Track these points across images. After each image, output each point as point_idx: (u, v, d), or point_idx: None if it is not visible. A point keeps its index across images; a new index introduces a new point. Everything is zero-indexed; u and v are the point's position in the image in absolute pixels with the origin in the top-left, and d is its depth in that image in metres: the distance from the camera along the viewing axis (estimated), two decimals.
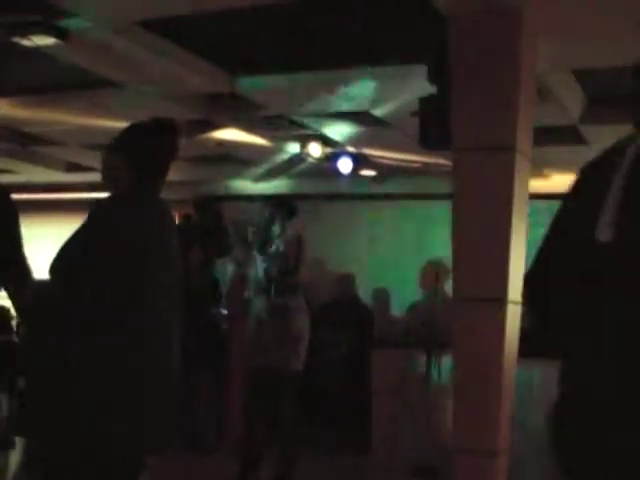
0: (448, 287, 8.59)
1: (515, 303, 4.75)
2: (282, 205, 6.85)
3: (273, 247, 6.66)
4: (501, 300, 4.61)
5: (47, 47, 5.77)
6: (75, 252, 3.02)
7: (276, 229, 6.71)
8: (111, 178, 3.23)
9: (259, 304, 6.63)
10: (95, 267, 2.97)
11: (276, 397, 6.49)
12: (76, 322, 2.93)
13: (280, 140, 9.13)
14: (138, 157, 3.20)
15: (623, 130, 7.30)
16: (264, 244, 6.72)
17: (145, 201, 3.21)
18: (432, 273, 8.23)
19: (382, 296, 9.89)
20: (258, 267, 6.69)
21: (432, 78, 5.08)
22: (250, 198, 10.73)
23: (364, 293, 9.94)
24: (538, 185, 8.80)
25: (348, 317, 9.45)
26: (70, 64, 6.44)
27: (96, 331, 2.92)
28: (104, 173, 3.27)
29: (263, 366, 6.53)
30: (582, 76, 6.45)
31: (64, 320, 2.94)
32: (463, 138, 4.74)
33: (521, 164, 4.73)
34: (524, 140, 4.76)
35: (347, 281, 9.85)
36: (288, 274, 6.60)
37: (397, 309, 9.76)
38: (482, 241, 4.69)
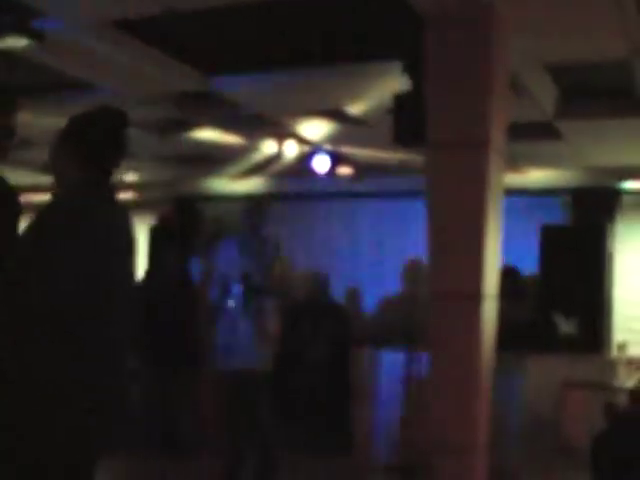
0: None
1: (491, 297, 4.79)
2: (258, 205, 6.84)
3: (253, 248, 6.65)
4: (477, 295, 4.64)
5: (20, 48, 5.74)
6: (22, 253, 2.92)
7: (254, 230, 6.70)
8: (58, 172, 3.14)
9: (233, 305, 6.61)
10: (40, 269, 2.87)
11: (256, 398, 6.49)
12: (23, 322, 2.86)
13: (256, 139, 9.13)
14: (85, 149, 3.09)
15: (597, 124, 7.39)
16: (244, 245, 6.71)
17: (94, 200, 3.08)
18: (412, 269, 8.26)
19: (353, 295, 9.91)
20: (234, 268, 6.67)
21: (407, 75, 5.11)
22: (228, 197, 10.73)
23: (342, 292, 9.95)
24: (514, 180, 8.87)
25: (325, 317, 9.46)
26: (43, 65, 6.42)
27: (42, 333, 2.84)
28: (51, 167, 3.17)
29: (240, 368, 6.53)
30: (555, 71, 6.49)
31: (11, 319, 2.87)
32: (437, 135, 4.77)
33: (495, 160, 4.76)
34: (498, 136, 4.80)
35: (321, 280, 9.86)
36: (269, 280, 6.60)
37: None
38: (457, 237, 4.72)
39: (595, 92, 7.15)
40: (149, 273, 8.20)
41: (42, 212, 2.97)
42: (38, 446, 2.82)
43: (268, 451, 6.47)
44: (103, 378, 2.97)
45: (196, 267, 7.97)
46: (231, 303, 6.59)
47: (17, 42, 5.61)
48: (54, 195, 3.10)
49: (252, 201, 7.02)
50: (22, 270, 2.88)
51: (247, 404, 6.50)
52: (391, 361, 7.57)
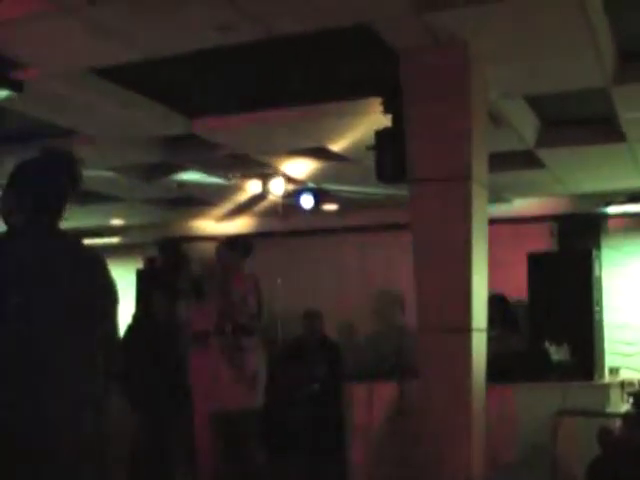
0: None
1: (480, 331, 4.82)
2: (236, 245, 6.85)
3: (229, 288, 6.66)
4: (465, 328, 4.67)
5: (2, 99, 5.78)
6: None
7: (231, 268, 6.71)
8: (6, 220, 3.12)
9: (214, 345, 6.62)
10: None
11: (239, 438, 6.47)
12: None
13: (241, 179, 9.17)
14: (27, 194, 3.08)
15: (578, 151, 7.45)
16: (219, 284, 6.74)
17: (22, 237, 3.06)
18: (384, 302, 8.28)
19: (346, 330, 9.91)
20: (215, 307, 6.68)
21: (387, 111, 5.17)
22: (214, 238, 10.72)
23: (331, 328, 9.95)
24: (499, 210, 8.93)
25: (317, 353, 9.46)
26: (27, 115, 6.46)
27: None
28: (1, 215, 3.15)
29: (219, 410, 6.52)
30: (534, 101, 6.57)
31: None
32: (418, 170, 4.82)
33: (478, 192, 4.81)
34: (479, 168, 4.86)
35: (314, 317, 9.86)
36: (254, 318, 6.61)
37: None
38: (443, 270, 4.76)
39: (575, 120, 7.23)
40: (137, 317, 8.18)
41: None
42: None
43: None
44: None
45: (183, 309, 7.94)
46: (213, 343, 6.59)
47: None
48: None
49: (227, 241, 7.02)
50: None
51: (232, 444, 6.49)
52: (385, 394, 7.56)
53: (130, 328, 7.72)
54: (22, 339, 2.95)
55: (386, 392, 7.55)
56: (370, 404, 7.61)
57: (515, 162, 8.10)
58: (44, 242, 3.10)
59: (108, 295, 3.22)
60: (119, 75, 5.87)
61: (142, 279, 10.09)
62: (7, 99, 5.80)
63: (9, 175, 3.15)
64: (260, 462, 6.47)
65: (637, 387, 7.81)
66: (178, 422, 7.94)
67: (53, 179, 3.14)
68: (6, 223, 3.15)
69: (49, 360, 2.99)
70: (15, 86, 5.60)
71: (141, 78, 6.01)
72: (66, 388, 3.00)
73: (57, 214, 3.16)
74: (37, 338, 2.97)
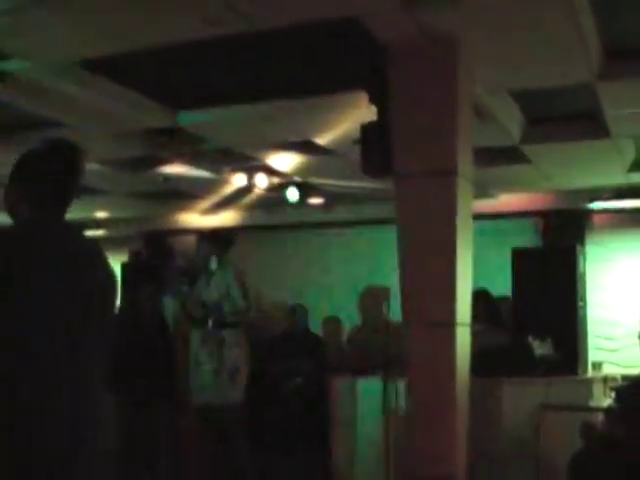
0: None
1: (464, 325, 4.83)
2: (217, 238, 6.83)
3: (213, 281, 6.65)
4: (449, 323, 4.68)
5: None
6: None
7: (213, 262, 6.70)
8: (9, 209, 3.09)
9: (196, 338, 6.61)
10: None
11: (222, 432, 6.47)
12: None
13: (226, 172, 9.16)
14: (30, 186, 3.05)
15: (563, 147, 7.49)
16: (201, 278, 6.73)
17: (34, 228, 3.02)
18: (371, 297, 8.29)
19: (333, 325, 9.91)
20: (197, 300, 6.67)
21: (373, 105, 5.16)
22: (199, 231, 10.71)
23: (316, 323, 9.94)
24: (484, 205, 8.95)
25: (301, 348, 9.45)
26: (12, 106, 6.43)
27: None
28: (5, 204, 3.11)
29: (201, 402, 6.52)
30: (520, 97, 6.58)
31: None
32: (404, 164, 4.82)
33: (463, 187, 4.82)
34: (465, 163, 4.86)
35: (299, 312, 9.85)
36: (242, 312, 6.60)
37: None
38: (428, 265, 4.76)
39: (560, 116, 7.25)
40: (122, 310, 8.17)
41: None
42: None
43: None
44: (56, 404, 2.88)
45: (168, 302, 7.95)
46: (195, 336, 6.58)
47: None
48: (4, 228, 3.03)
49: (211, 235, 7.00)
50: None
51: (214, 437, 6.49)
52: (369, 390, 7.57)
53: (116, 321, 7.71)
54: (45, 342, 2.89)
55: (371, 387, 7.57)
56: (354, 399, 7.63)
57: (500, 157, 8.12)
58: (55, 235, 3.07)
59: (113, 288, 3.21)
60: (104, 67, 5.84)
61: (127, 272, 10.07)
62: None
63: (12, 167, 3.11)
64: (246, 457, 6.47)
65: (620, 382, 7.85)
66: (163, 414, 7.95)
67: (57, 170, 3.11)
68: (12, 216, 3.11)
69: (69, 366, 2.95)
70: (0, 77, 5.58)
71: (126, 71, 5.98)
72: (82, 407, 2.96)
73: (63, 206, 3.13)
74: (58, 344, 2.92)
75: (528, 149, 7.81)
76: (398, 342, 7.33)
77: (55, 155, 3.13)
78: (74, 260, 3.04)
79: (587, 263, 9.59)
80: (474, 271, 5.05)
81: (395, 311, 6.98)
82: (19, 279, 2.86)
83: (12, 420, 2.81)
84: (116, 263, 10.10)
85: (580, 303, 9.16)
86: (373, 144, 5.05)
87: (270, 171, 9.00)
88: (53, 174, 3.10)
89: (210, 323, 6.52)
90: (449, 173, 4.72)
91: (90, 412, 3.00)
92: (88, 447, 2.96)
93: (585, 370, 8.95)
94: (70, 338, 2.94)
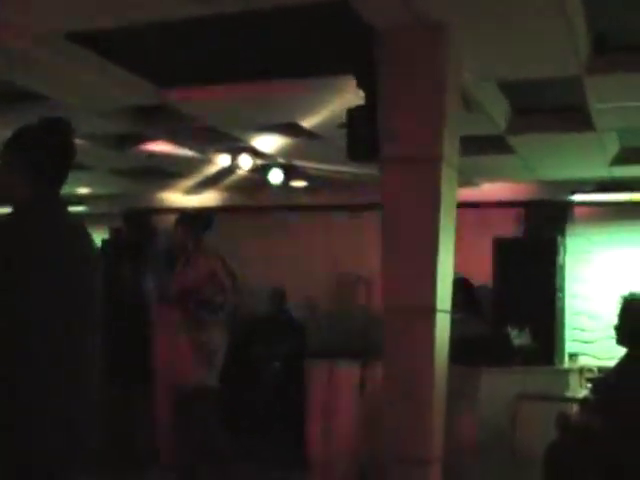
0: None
1: (444, 312, 4.84)
2: (194, 220, 6.78)
3: (191, 263, 6.61)
4: (430, 309, 4.69)
5: None
6: None
7: (190, 243, 6.65)
8: (5, 186, 3.05)
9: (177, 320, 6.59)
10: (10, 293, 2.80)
11: (197, 414, 6.45)
12: None
13: (210, 152, 9.12)
14: (33, 163, 3.01)
15: (548, 138, 7.51)
16: (178, 258, 6.70)
17: (46, 217, 3.00)
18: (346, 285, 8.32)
19: (312, 309, 9.93)
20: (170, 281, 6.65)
21: (360, 89, 5.15)
22: (181, 211, 10.67)
23: (296, 306, 9.96)
24: (467, 194, 8.96)
25: (281, 332, 9.47)
26: None
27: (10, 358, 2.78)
28: (1, 184, 3.07)
29: (176, 384, 6.51)
30: (507, 87, 6.58)
31: None
32: (390, 149, 4.81)
33: (448, 174, 4.82)
34: (450, 150, 4.86)
35: (278, 295, 9.87)
36: (226, 291, 6.56)
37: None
38: (410, 251, 4.76)
39: (546, 107, 7.26)
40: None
41: None
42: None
43: (218, 468, 6.42)
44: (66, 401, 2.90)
45: (149, 282, 7.93)
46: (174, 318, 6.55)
47: None
48: (3, 219, 2.97)
49: (187, 217, 6.93)
50: None
51: (191, 420, 6.46)
52: (347, 373, 7.59)
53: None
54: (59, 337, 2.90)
55: (347, 372, 7.59)
56: (330, 383, 7.65)
57: (485, 147, 8.13)
58: (60, 221, 3.06)
59: (100, 271, 3.19)
60: (92, 41, 5.78)
61: (108, 249, 10.03)
62: None
63: (5, 146, 3.07)
64: (221, 441, 6.46)
65: (596, 373, 7.91)
66: (140, 395, 7.94)
67: (55, 144, 3.09)
68: (8, 192, 3.06)
69: (90, 346, 3.00)
70: None
71: (114, 45, 5.93)
72: (82, 407, 2.99)
73: (60, 182, 3.11)
74: (59, 344, 2.92)
75: (513, 139, 7.83)
76: (376, 328, 7.37)
77: (53, 129, 3.10)
78: (74, 259, 3.03)
79: (567, 255, 9.65)
80: (455, 259, 5.06)
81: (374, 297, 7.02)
82: (19, 279, 2.83)
83: (12, 420, 2.79)
84: (96, 240, 10.07)
85: (559, 294, 9.22)
86: (359, 129, 5.03)
87: (254, 152, 8.97)
88: (52, 147, 3.08)
89: (191, 305, 6.48)
90: (434, 159, 4.72)
91: (89, 412, 3.02)
92: (86, 447, 2.98)
93: (562, 361, 9.02)
94: (70, 338, 2.93)
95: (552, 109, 7.25)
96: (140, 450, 7.88)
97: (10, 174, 3.05)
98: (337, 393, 7.59)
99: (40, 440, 2.81)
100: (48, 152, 3.06)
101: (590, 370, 8.23)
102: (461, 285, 7.87)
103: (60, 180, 3.10)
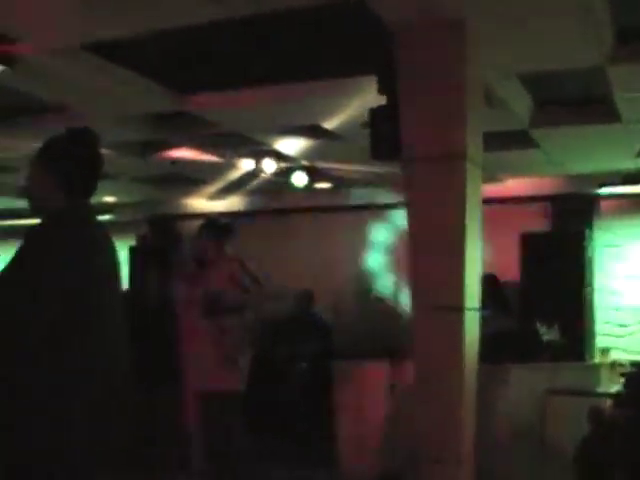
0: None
1: (473, 310, 4.81)
2: (214, 225, 6.84)
3: (214, 269, 6.66)
4: (458, 308, 4.66)
5: None
6: (9, 282, 2.88)
7: (212, 249, 6.69)
8: (38, 197, 3.09)
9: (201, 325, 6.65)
10: (29, 296, 2.84)
11: (217, 417, 6.49)
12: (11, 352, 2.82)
13: (233, 157, 9.14)
14: (64, 171, 3.05)
15: (572, 131, 7.41)
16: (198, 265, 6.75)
17: (81, 221, 3.06)
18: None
19: (339, 309, 9.92)
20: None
21: (381, 90, 5.13)
22: (206, 216, 10.71)
23: (323, 307, 9.96)
24: (493, 190, 8.92)
25: (307, 333, 9.47)
26: (17, 90, 6.41)
27: (34, 361, 2.81)
28: (30, 192, 3.13)
29: (203, 390, 6.54)
30: (529, 81, 6.54)
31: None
32: (413, 148, 4.79)
33: (472, 171, 4.79)
34: (474, 147, 4.83)
35: (306, 297, 9.87)
36: (254, 296, 6.60)
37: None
38: (437, 250, 4.74)
39: (570, 100, 7.21)
40: (130, 294, 8.19)
41: (23, 245, 2.92)
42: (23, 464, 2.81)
43: (244, 469, 6.44)
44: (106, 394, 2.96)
45: (175, 287, 7.94)
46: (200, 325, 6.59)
47: None
48: (34, 227, 3.00)
49: (210, 224, 6.99)
50: (4, 296, 2.86)
51: (215, 424, 6.50)
52: (376, 373, 7.58)
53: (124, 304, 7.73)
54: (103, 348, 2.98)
55: (376, 371, 7.57)
56: (359, 383, 7.63)
57: (509, 142, 8.08)
58: (96, 229, 3.11)
59: (120, 280, 3.26)
60: (111, 51, 5.81)
61: (135, 256, 10.09)
62: None
63: (35, 158, 3.10)
64: (242, 447, 6.49)
65: (628, 368, 7.84)
66: (167, 397, 7.96)
67: (85, 154, 3.13)
68: (39, 202, 3.10)
69: (116, 353, 3.06)
70: (6, 61, 5.55)
71: (133, 54, 5.96)
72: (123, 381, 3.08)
73: (89, 196, 3.15)
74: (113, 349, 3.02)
75: (537, 133, 7.78)
76: (404, 328, 7.35)
77: (80, 140, 3.14)
78: (106, 268, 3.09)
79: (595, 249, 9.58)
80: (482, 255, 5.03)
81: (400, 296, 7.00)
82: (48, 284, 2.87)
83: (34, 419, 2.82)
84: (123, 247, 10.11)
85: (588, 288, 9.15)
86: (382, 128, 5.02)
87: (278, 155, 8.98)
88: (80, 158, 3.11)
89: (212, 311, 6.53)
90: (458, 157, 4.69)
91: (117, 413, 3.06)
92: (113, 447, 3.04)
93: (592, 356, 8.94)
94: (95, 342, 2.97)
95: (576, 101, 7.19)
96: (168, 455, 7.90)
97: (41, 185, 3.08)
98: (366, 393, 7.57)
99: (65, 440, 2.84)
100: (77, 163, 3.10)
101: (622, 365, 8.16)
102: (488, 282, 7.83)
103: (89, 190, 3.15)
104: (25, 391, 2.82)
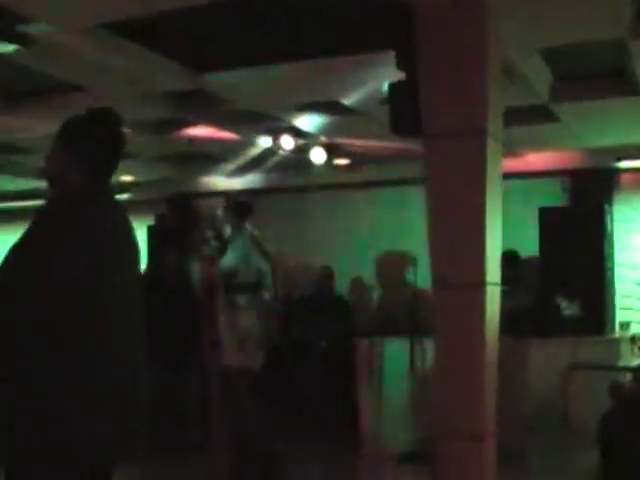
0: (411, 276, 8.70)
1: (493, 285, 4.79)
2: (234, 206, 6.85)
3: (230, 248, 6.69)
4: (480, 283, 4.64)
5: (7, 53, 5.72)
6: (22, 260, 2.84)
7: (228, 229, 6.73)
8: (57, 177, 3.06)
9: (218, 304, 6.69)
10: (43, 276, 2.80)
11: (232, 396, 6.56)
12: (24, 334, 2.79)
13: (251, 134, 9.12)
14: (84, 151, 3.03)
15: (592, 105, 7.36)
16: (218, 245, 6.78)
17: (97, 201, 3.03)
18: (392, 263, 8.27)
19: (359, 287, 9.89)
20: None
21: (400, 65, 5.10)
22: (224, 194, 10.71)
23: (343, 285, 9.94)
24: (512, 164, 8.87)
25: (327, 311, 9.45)
26: (31, 69, 6.40)
27: (47, 344, 2.78)
28: (50, 172, 3.09)
29: (220, 366, 6.62)
30: (549, 55, 6.48)
31: (8, 332, 2.80)
32: (433, 124, 4.76)
33: (492, 147, 4.76)
34: (494, 123, 4.79)
35: (325, 274, 9.84)
36: (266, 275, 6.64)
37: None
38: (457, 225, 4.72)
39: (589, 73, 7.14)
40: (149, 273, 8.20)
41: (36, 220, 2.91)
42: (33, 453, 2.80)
43: (257, 448, 6.48)
44: (121, 375, 2.95)
45: (194, 266, 7.96)
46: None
47: (4, 48, 5.59)
48: (43, 207, 2.99)
49: (227, 203, 7.00)
50: (11, 279, 2.83)
51: (233, 400, 6.60)
52: (396, 351, 7.58)
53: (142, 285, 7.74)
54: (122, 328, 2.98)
55: (397, 348, 7.58)
56: (381, 358, 7.64)
57: (529, 116, 8.03)
58: (114, 210, 3.09)
59: (139, 262, 3.26)
60: (128, 29, 5.79)
61: (153, 235, 10.10)
62: (14, 53, 5.74)
63: (57, 137, 3.08)
64: (255, 425, 6.53)
65: None
66: (188, 378, 8.00)
67: (106, 135, 3.10)
68: (59, 183, 3.07)
69: (132, 334, 3.05)
70: (22, 40, 5.54)
71: (148, 32, 5.93)
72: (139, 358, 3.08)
73: (110, 176, 3.13)
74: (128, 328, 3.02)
75: (557, 107, 7.72)
76: (425, 309, 7.35)
77: (102, 120, 3.11)
78: (121, 250, 3.06)
79: (615, 223, 9.52)
80: (501, 231, 5.01)
81: (422, 275, 6.99)
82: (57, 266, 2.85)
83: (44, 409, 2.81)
84: (142, 227, 10.12)
85: (607, 263, 9.11)
86: (401, 104, 4.98)
87: (296, 132, 8.96)
88: (102, 138, 3.09)
89: (222, 289, 6.60)
90: (479, 133, 4.66)
91: (135, 399, 3.04)
92: (131, 434, 3.04)
93: (613, 330, 8.92)
94: (112, 326, 2.95)
95: (596, 75, 7.13)
96: (193, 434, 7.94)
97: (60, 165, 3.06)
98: (386, 371, 7.58)
99: (66, 439, 2.83)
100: (98, 142, 3.07)
101: None
102: (508, 257, 7.81)
103: (110, 170, 3.12)
104: (25, 388, 2.81)
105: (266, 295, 6.75)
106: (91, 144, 3.06)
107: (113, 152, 3.12)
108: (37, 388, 2.77)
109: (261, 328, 6.70)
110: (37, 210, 2.96)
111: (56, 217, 2.94)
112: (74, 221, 2.91)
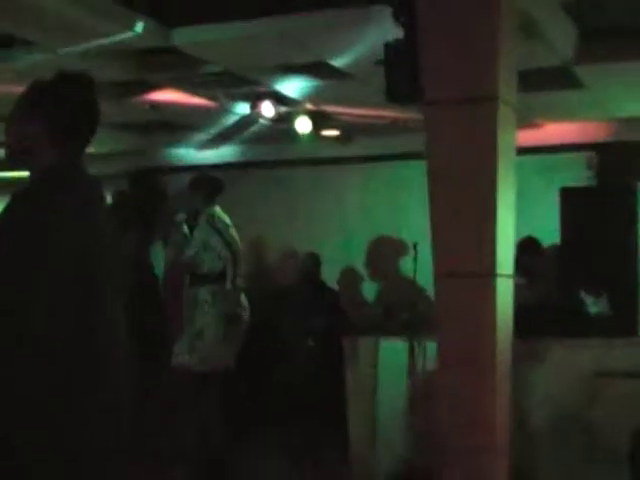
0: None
1: (506, 277, 4.81)
2: (202, 181, 6.90)
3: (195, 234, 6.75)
4: (488, 275, 4.67)
5: None
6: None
7: (200, 208, 6.78)
8: (25, 151, 3.04)
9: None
10: (17, 264, 2.84)
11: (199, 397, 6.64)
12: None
13: (227, 100, 9.12)
14: (55, 121, 3.02)
15: (622, 68, 7.38)
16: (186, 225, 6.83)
17: (75, 186, 3.06)
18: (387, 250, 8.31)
19: (351, 277, 9.93)
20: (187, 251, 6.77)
21: (398, 21, 5.11)
22: (195, 168, 10.71)
23: (332, 272, 9.98)
24: (529, 137, 8.89)
25: (314, 304, 9.48)
26: None
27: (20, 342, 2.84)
28: (14, 146, 3.07)
29: (177, 365, 6.69)
30: (574, 9, 6.49)
31: None
32: (436, 89, 4.78)
33: (505, 115, 4.78)
34: (507, 87, 4.81)
35: (311, 261, 9.86)
36: (228, 263, 6.70)
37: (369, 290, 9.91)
38: (464, 207, 4.74)
39: (619, 31, 7.15)
40: None
41: (9, 208, 2.91)
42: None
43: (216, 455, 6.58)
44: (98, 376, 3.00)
45: (158, 251, 7.99)
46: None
47: None
48: (22, 189, 2.99)
49: (194, 182, 7.06)
50: None
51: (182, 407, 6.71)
52: (393, 352, 7.60)
53: None
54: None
55: (394, 349, 7.60)
56: (375, 362, 7.67)
57: (548, 80, 8.04)
58: (80, 190, 3.11)
59: (118, 243, 3.35)
60: None
61: (111, 215, 10.08)
62: None
63: (20, 105, 3.08)
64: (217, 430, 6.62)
65: None
66: (156, 370, 8.05)
67: (79, 107, 3.12)
68: (25, 155, 3.07)
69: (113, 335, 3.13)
70: None
71: None
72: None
73: (84, 149, 3.17)
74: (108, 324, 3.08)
75: (581, 70, 7.74)
76: (425, 299, 7.37)
77: (75, 85, 3.12)
78: (104, 231, 3.13)
79: None
80: (516, 214, 5.03)
81: (423, 262, 7.01)
82: (32, 253, 2.87)
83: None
84: None
85: None
86: (399, 66, 5.00)
87: (278, 98, 8.96)
88: (75, 105, 3.10)
89: (186, 281, 6.68)
90: (489, 99, 4.68)
91: (117, 400, 3.12)
92: (116, 435, 3.10)
93: None
94: (110, 335, 3.08)
95: (628, 33, 7.13)
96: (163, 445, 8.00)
97: (26, 137, 3.05)
98: (382, 372, 7.61)
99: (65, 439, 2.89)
100: (72, 110, 3.08)
101: None
102: (525, 245, 7.85)
103: (84, 142, 3.16)
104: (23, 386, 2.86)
105: (229, 286, 6.82)
106: (64, 112, 3.06)
107: (88, 121, 3.15)
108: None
109: (225, 325, 6.77)
110: (15, 192, 2.95)
111: (38, 199, 2.95)
112: (57, 202, 2.95)
